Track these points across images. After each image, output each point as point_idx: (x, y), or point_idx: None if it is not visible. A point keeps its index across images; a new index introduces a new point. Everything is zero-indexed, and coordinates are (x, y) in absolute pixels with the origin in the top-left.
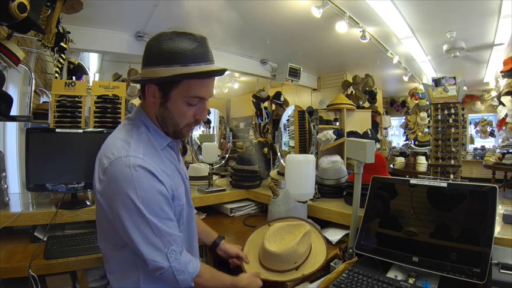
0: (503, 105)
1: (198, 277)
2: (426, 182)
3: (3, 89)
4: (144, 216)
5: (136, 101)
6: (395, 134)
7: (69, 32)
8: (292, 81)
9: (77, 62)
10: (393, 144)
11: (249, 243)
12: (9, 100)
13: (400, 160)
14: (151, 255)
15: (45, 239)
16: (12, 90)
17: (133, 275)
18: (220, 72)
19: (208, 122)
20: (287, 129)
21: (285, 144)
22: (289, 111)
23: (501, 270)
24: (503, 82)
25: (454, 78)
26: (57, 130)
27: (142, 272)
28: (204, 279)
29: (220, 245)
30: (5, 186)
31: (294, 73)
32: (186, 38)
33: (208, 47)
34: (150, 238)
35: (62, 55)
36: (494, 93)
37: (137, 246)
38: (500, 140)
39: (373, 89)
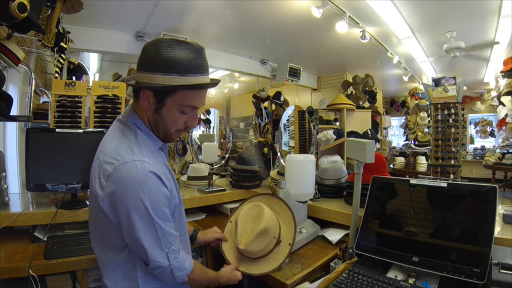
0: (503, 105)
1: (191, 273)
2: (426, 182)
3: (3, 89)
4: (152, 218)
5: None
6: (395, 134)
7: (69, 32)
8: (292, 81)
9: (77, 62)
10: (393, 144)
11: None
12: (9, 100)
13: (400, 160)
14: (155, 255)
15: (45, 239)
16: (12, 90)
17: (131, 275)
18: (215, 84)
19: (208, 122)
20: (287, 129)
21: (285, 144)
22: (289, 111)
23: (501, 270)
24: (503, 82)
25: (454, 78)
26: (57, 130)
27: (140, 271)
28: (194, 274)
29: (198, 238)
30: (5, 186)
31: (294, 73)
32: (184, 48)
33: (205, 58)
34: (155, 239)
35: (62, 55)
36: (494, 93)
37: (144, 247)
38: (500, 140)
39: (373, 89)
